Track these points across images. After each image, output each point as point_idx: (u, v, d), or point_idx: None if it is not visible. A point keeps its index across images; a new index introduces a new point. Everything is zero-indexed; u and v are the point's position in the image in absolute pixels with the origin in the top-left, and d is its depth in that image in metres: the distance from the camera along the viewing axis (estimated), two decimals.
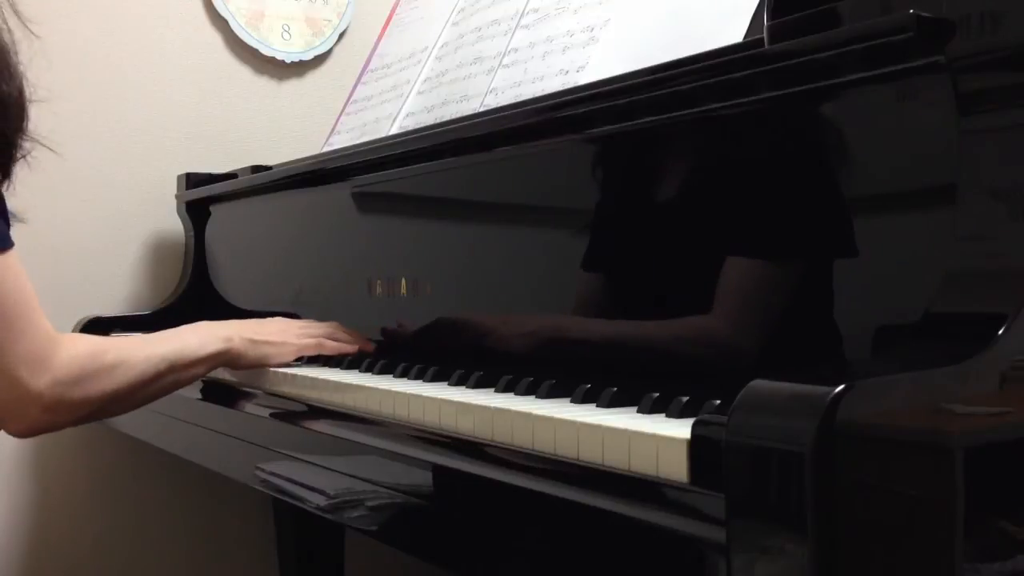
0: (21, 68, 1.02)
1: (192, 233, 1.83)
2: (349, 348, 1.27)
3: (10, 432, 1.05)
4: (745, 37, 0.94)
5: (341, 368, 1.24)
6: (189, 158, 1.90)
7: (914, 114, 0.72)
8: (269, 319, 1.30)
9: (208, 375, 1.26)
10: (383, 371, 1.17)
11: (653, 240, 0.94)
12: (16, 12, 1.05)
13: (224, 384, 1.32)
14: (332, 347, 1.26)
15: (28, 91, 1.03)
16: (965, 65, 0.68)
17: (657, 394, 0.77)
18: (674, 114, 0.89)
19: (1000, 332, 0.61)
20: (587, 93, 1.00)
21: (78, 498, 1.81)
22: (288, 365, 1.25)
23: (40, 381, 0.99)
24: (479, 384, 0.99)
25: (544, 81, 1.18)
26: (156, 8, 1.89)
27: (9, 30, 1.03)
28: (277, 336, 1.25)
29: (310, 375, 1.15)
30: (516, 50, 1.27)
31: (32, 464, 1.78)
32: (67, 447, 1.80)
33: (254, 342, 1.22)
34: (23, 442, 1.76)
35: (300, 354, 1.26)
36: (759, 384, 0.58)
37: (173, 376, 1.14)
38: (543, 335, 1.05)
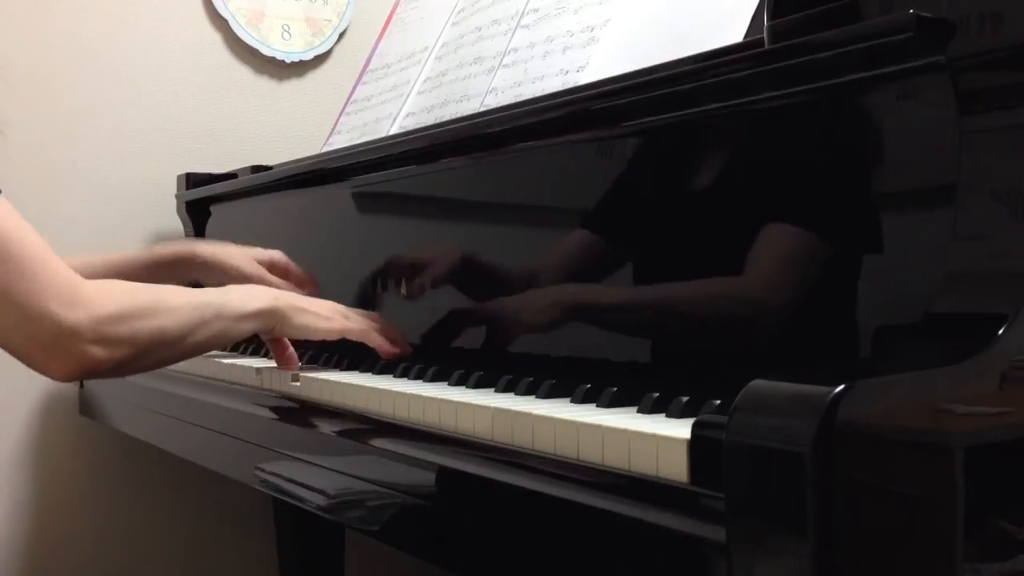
0: None
1: (192, 233, 1.83)
2: (389, 348, 1.19)
3: (55, 374, 0.99)
4: (745, 37, 0.94)
5: (341, 368, 1.24)
6: (189, 158, 1.90)
7: (914, 114, 0.72)
8: (320, 300, 1.23)
9: (210, 375, 1.26)
10: (383, 371, 1.17)
11: (653, 240, 0.94)
12: None
13: (224, 384, 1.32)
14: (377, 340, 1.19)
15: None
16: (965, 65, 0.68)
17: (657, 394, 0.77)
18: (674, 114, 0.89)
19: (1000, 332, 0.61)
20: (587, 93, 1.00)
21: (78, 498, 1.81)
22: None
23: (76, 315, 0.95)
24: (479, 384, 0.99)
25: (544, 81, 1.18)
26: (156, 8, 1.89)
27: None
28: (326, 311, 1.19)
29: (311, 375, 1.15)
30: (516, 50, 1.27)
31: (32, 464, 1.78)
32: (67, 447, 1.80)
33: (301, 309, 1.16)
34: (24, 442, 1.76)
35: (344, 335, 1.18)
36: (759, 384, 0.58)
37: (219, 324, 1.08)
38: (566, 303, 1.00)
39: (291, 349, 1.24)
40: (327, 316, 1.18)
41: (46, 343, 0.95)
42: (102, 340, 0.97)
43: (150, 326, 1.01)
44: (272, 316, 1.14)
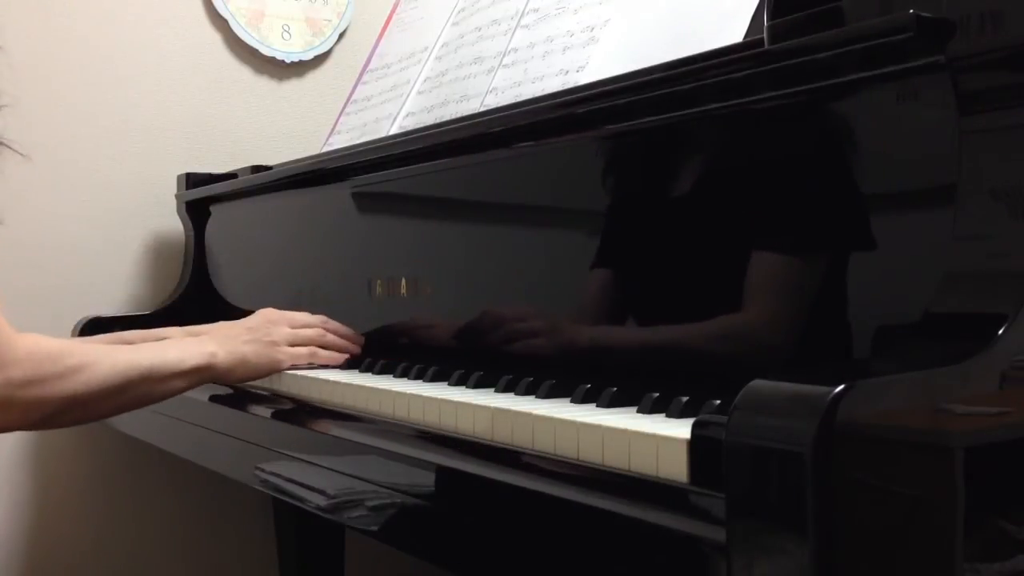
0: None
1: (192, 233, 1.83)
2: (338, 358, 1.24)
3: None
4: (745, 37, 0.94)
5: (341, 368, 1.24)
6: (189, 158, 1.90)
7: (914, 114, 0.72)
8: (257, 319, 1.23)
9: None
10: (383, 371, 1.17)
11: (652, 240, 0.94)
12: None
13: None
14: (324, 357, 1.23)
15: None
16: (965, 65, 0.68)
17: (657, 394, 0.77)
18: (674, 114, 0.89)
19: (1000, 332, 0.61)
20: (587, 93, 1.00)
21: (78, 498, 1.81)
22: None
23: None
24: (479, 384, 0.99)
25: (544, 81, 1.18)
26: (156, 8, 1.89)
27: None
28: (266, 348, 1.19)
29: (310, 375, 1.16)
30: (516, 50, 1.27)
31: (32, 464, 1.78)
32: (67, 447, 1.80)
33: (242, 360, 1.17)
34: (24, 442, 1.76)
35: (291, 364, 1.21)
36: (759, 384, 0.58)
37: (146, 387, 1.09)
38: (561, 339, 1.01)
39: None
40: (268, 356, 1.18)
41: None
42: (8, 405, 0.98)
43: (63, 390, 1.01)
44: (209, 372, 1.14)
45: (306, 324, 1.25)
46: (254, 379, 1.20)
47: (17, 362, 0.98)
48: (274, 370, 1.20)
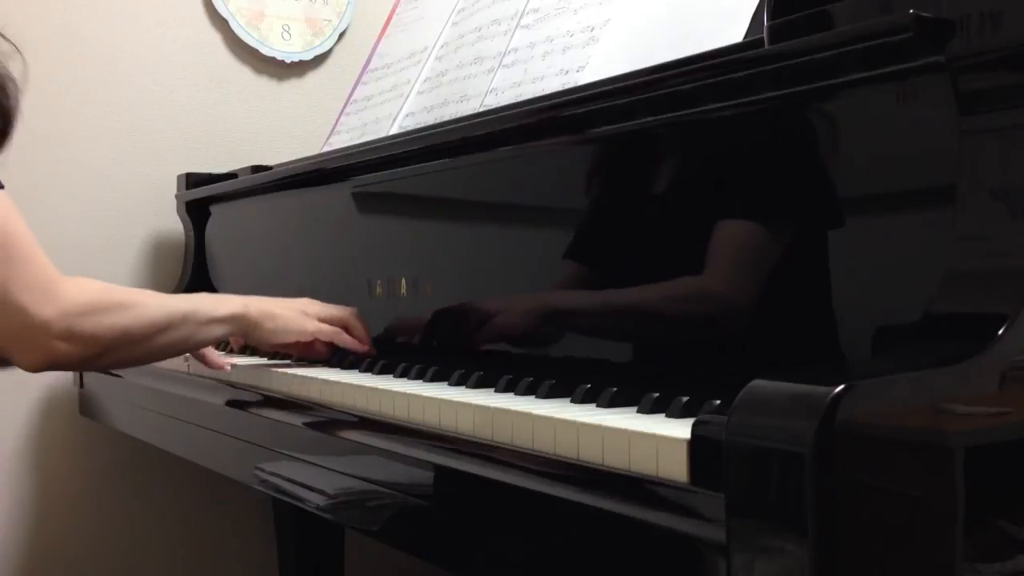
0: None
1: (192, 233, 1.83)
2: (360, 347, 1.25)
3: (23, 365, 1.05)
4: (745, 37, 0.94)
5: (341, 368, 1.24)
6: (189, 158, 1.90)
7: (914, 114, 0.72)
8: (293, 299, 1.28)
9: (210, 375, 1.26)
10: (383, 371, 1.17)
11: (652, 240, 0.94)
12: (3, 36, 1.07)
13: (224, 383, 1.32)
14: (347, 341, 1.25)
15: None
16: (965, 65, 0.68)
17: (657, 394, 0.77)
18: (674, 114, 0.89)
19: (1000, 332, 0.61)
20: (587, 93, 1.00)
21: (78, 498, 1.81)
22: (288, 365, 1.25)
23: (47, 309, 1.00)
24: (479, 384, 0.99)
25: (544, 81, 1.18)
26: (156, 8, 1.89)
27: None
28: (296, 314, 1.24)
29: (310, 375, 1.16)
30: (516, 50, 1.27)
31: (32, 463, 1.78)
32: (67, 446, 1.80)
33: (273, 315, 1.22)
34: (24, 442, 1.76)
35: (316, 336, 1.24)
36: (759, 384, 0.58)
37: (188, 328, 1.14)
38: (536, 312, 1.04)
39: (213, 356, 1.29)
40: (298, 320, 1.23)
41: (14, 334, 1.01)
42: (69, 335, 1.02)
43: (117, 324, 1.06)
44: (242, 321, 1.20)
45: (337, 312, 1.28)
46: (282, 340, 1.23)
47: (70, 296, 1.02)
48: (302, 334, 1.23)
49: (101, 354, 1.07)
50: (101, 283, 1.09)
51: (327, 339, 1.24)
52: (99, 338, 1.04)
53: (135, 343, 1.09)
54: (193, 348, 1.20)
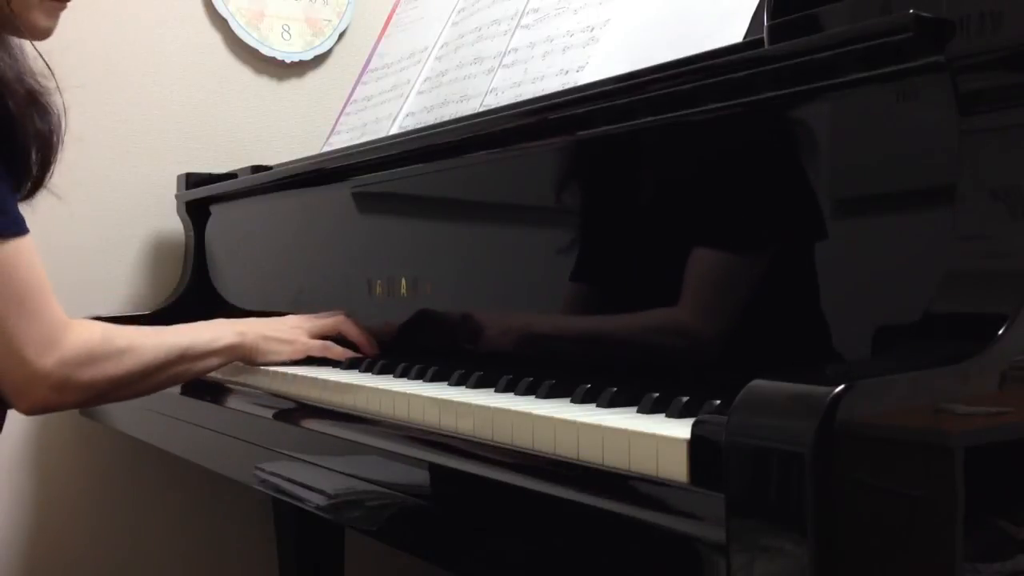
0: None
1: (192, 233, 1.83)
2: (348, 357, 1.28)
3: (19, 409, 1.08)
4: (745, 37, 0.94)
5: (341, 368, 1.24)
6: (189, 158, 1.90)
7: (914, 114, 0.72)
8: (284, 317, 1.32)
9: (209, 375, 1.26)
10: (383, 371, 1.17)
11: (653, 240, 0.94)
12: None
13: (224, 383, 1.32)
14: (338, 352, 1.28)
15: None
16: (965, 65, 0.68)
17: (657, 394, 0.77)
18: (674, 114, 0.89)
19: (1000, 332, 0.61)
20: (587, 93, 1.00)
21: (78, 498, 1.81)
22: (289, 364, 1.26)
23: (48, 361, 1.03)
24: (479, 384, 0.99)
25: (544, 81, 1.18)
26: (156, 8, 1.89)
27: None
28: (289, 334, 1.28)
29: (310, 375, 1.16)
30: (516, 50, 1.27)
31: (32, 464, 1.78)
32: (67, 447, 1.80)
33: (267, 338, 1.26)
34: (24, 442, 1.76)
35: (307, 354, 1.28)
36: (759, 384, 0.58)
37: (184, 366, 1.18)
38: (519, 332, 1.08)
39: None
40: (290, 341, 1.28)
41: (11, 382, 1.04)
42: (64, 386, 1.06)
43: (116, 371, 1.10)
44: (239, 350, 1.24)
45: (326, 322, 1.32)
46: (277, 362, 1.27)
47: (71, 346, 1.06)
48: (293, 354, 1.28)
49: (96, 399, 1.13)
50: (103, 327, 1.12)
51: (318, 355, 1.28)
52: (95, 386, 1.08)
53: (132, 384, 1.13)
54: (190, 380, 1.24)
